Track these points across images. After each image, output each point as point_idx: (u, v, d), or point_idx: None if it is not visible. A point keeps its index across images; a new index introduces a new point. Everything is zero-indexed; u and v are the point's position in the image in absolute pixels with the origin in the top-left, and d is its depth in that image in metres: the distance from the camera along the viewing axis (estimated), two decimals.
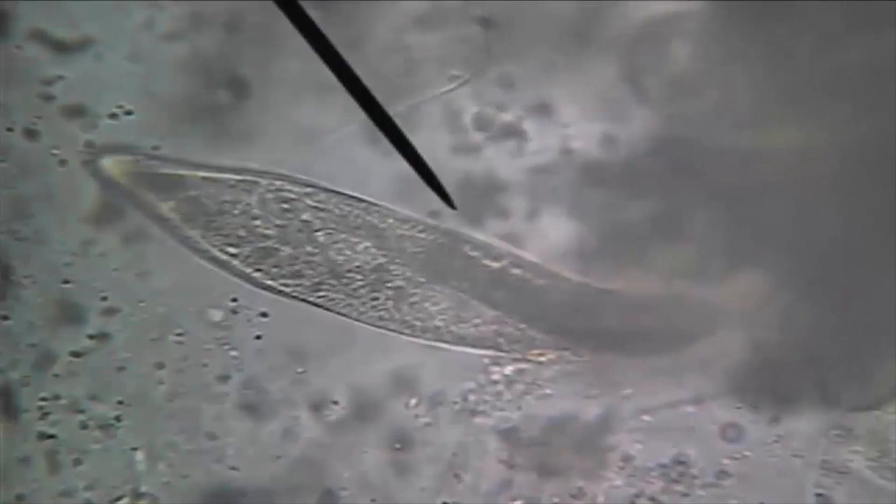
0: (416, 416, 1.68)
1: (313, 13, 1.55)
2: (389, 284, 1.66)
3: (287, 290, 1.66)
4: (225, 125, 1.65)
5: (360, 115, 1.59)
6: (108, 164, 1.64)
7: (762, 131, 1.63)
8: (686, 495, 1.68)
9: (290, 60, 1.62)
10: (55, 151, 1.64)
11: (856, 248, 1.63)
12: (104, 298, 1.66)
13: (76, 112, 1.64)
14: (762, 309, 1.64)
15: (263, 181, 1.66)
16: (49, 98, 1.63)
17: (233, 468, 1.68)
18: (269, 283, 1.66)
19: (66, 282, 1.65)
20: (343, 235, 1.66)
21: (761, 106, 1.63)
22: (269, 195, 1.65)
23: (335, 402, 1.68)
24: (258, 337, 1.67)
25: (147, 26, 1.64)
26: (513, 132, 1.67)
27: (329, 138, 1.64)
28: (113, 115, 1.64)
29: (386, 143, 1.60)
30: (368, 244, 1.66)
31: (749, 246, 1.64)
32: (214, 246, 1.65)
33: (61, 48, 1.63)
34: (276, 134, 1.65)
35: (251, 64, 1.64)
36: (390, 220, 1.67)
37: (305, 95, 1.64)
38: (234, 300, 1.66)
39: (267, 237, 1.65)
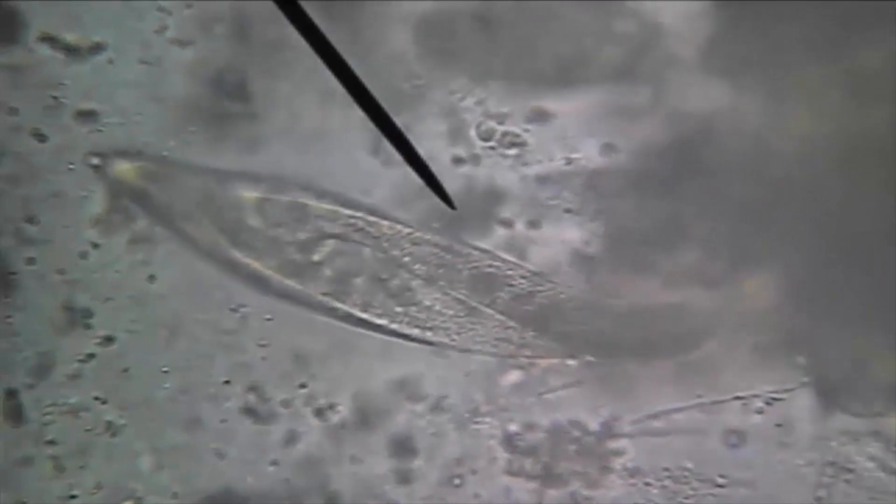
0: (420, 422, 1.68)
1: (316, 16, 1.55)
2: (394, 290, 1.66)
3: (292, 295, 1.66)
4: (232, 130, 1.66)
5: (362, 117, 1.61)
6: (117, 167, 1.65)
7: (767, 136, 1.64)
8: (689, 500, 1.67)
9: (296, 65, 1.63)
10: (64, 154, 1.65)
11: (860, 252, 1.63)
12: (110, 301, 1.66)
13: (85, 116, 1.65)
14: (766, 313, 1.64)
15: (269, 185, 1.66)
16: (59, 101, 1.64)
17: (236, 472, 1.68)
18: (275, 287, 1.66)
19: (73, 284, 1.66)
20: (347, 240, 1.66)
21: (767, 109, 1.64)
22: (274, 200, 1.66)
23: (339, 408, 1.68)
24: (263, 342, 1.67)
25: (158, 33, 1.65)
26: (514, 140, 1.67)
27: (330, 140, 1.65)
28: (122, 120, 1.65)
29: (389, 149, 1.61)
30: (372, 249, 1.66)
31: (752, 252, 1.64)
32: (221, 250, 1.65)
33: (72, 53, 1.64)
34: (281, 139, 1.66)
35: (259, 70, 1.65)
36: (393, 225, 1.67)
37: (310, 100, 1.65)
38: (240, 305, 1.67)
39: (272, 241, 1.66)
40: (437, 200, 1.62)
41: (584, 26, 1.64)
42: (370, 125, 1.56)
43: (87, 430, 1.66)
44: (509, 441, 1.68)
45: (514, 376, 1.68)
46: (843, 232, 1.63)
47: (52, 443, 1.66)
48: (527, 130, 1.67)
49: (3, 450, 1.66)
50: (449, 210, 1.63)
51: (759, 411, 1.66)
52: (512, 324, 1.67)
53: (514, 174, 1.67)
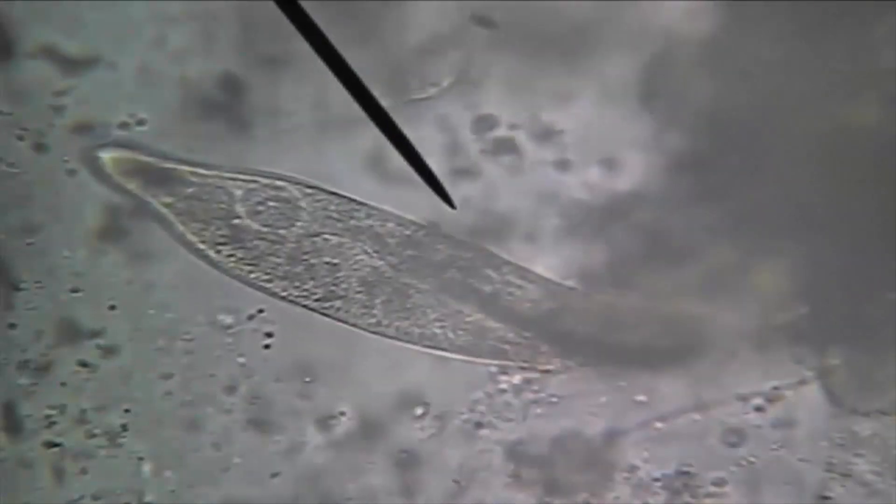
0: (422, 427, 1.67)
1: (314, 13, 1.54)
2: (394, 294, 1.67)
3: (293, 299, 1.66)
4: (232, 134, 1.66)
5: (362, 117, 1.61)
6: (118, 173, 1.66)
7: (769, 143, 1.65)
8: (691, 501, 1.67)
9: (295, 66, 1.64)
10: (65, 159, 1.65)
11: (861, 256, 1.63)
12: (112, 307, 1.66)
13: (85, 123, 1.65)
14: (766, 313, 1.65)
15: (269, 187, 1.67)
16: (59, 109, 1.65)
17: (238, 478, 1.67)
18: (276, 291, 1.66)
19: (75, 290, 1.66)
20: (347, 242, 1.67)
21: (769, 112, 1.64)
22: (274, 202, 1.67)
23: (342, 413, 1.67)
24: (266, 346, 1.67)
25: (157, 41, 1.66)
26: (512, 146, 1.67)
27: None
28: (124, 125, 1.65)
29: (389, 149, 1.61)
30: (372, 251, 1.67)
31: (754, 252, 1.65)
32: (220, 253, 1.66)
33: (73, 61, 1.65)
34: (281, 140, 1.67)
35: (258, 72, 1.66)
36: (393, 226, 1.68)
37: (310, 100, 1.66)
38: (243, 309, 1.67)
39: (272, 244, 1.66)
40: (437, 200, 1.63)
41: (589, 27, 1.65)
42: (370, 125, 1.57)
43: (89, 436, 1.66)
44: (512, 446, 1.68)
45: (516, 384, 1.68)
46: (845, 230, 1.64)
47: (53, 448, 1.66)
48: (525, 137, 1.67)
49: (3, 456, 1.66)
50: (449, 211, 1.64)
51: (760, 409, 1.66)
52: (514, 331, 1.68)
53: (514, 179, 1.68)
